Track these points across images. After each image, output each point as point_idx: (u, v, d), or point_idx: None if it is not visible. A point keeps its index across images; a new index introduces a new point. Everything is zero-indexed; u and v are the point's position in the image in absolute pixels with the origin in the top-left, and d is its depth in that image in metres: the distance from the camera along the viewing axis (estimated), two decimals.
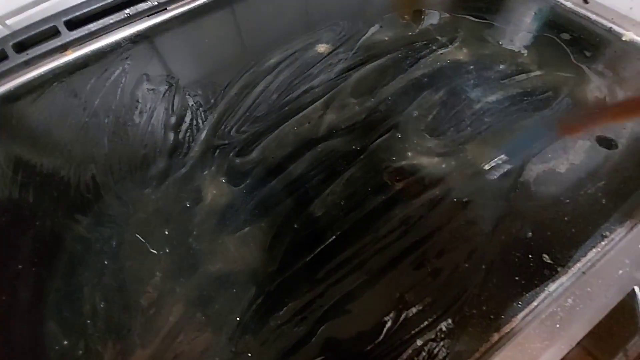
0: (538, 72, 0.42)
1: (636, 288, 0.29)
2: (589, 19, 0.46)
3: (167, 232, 0.34)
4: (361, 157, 0.37)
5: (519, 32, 0.47)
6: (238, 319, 0.29)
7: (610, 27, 0.44)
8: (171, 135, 0.41)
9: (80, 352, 0.29)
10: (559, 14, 0.48)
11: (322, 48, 0.47)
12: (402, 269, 0.30)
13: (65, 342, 0.29)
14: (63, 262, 0.33)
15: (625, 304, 0.28)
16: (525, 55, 0.44)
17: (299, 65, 0.46)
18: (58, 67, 0.49)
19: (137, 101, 0.44)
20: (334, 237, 0.32)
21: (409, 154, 0.36)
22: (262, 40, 0.50)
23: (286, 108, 0.42)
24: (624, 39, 0.43)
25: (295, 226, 0.33)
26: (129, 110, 0.43)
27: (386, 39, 0.47)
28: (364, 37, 0.48)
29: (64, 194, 0.37)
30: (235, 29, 0.53)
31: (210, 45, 0.50)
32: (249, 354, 0.28)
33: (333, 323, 0.28)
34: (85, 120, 0.43)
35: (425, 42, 0.46)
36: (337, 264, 0.31)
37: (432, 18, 0.50)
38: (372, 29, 0.49)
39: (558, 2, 0.48)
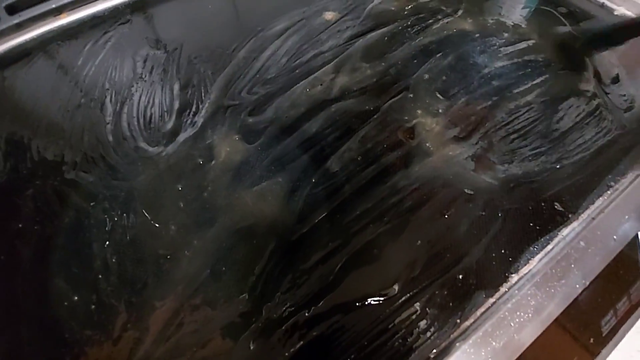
0: (539, 41, 0.44)
1: (639, 234, 0.31)
2: None
3: (180, 188, 0.33)
4: (375, 116, 0.37)
5: (518, 4, 0.48)
6: (259, 270, 0.28)
7: (603, 3, 0.47)
8: (179, 96, 0.40)
9: (93, 306, 0.28)
10: None
11: (329, 15, 0.47)
12: (421, 218, 0.31)
13: (75, 298, 0.28)
14: (69, 219, 0.31)
15: (630, 249, 0.30)
16: (524, 26, 0.45)
17: (306, 31, 0.46)
18: (52, 31, 0.46)
19: (144, 62, 0.42)
20: (352, 190, 0.32)
21: (420, 112, 0.37)
22: (267, 7, 0.49)
23: (297, 71, 0.42)
24: (615, 13, 0.45)
25: (314, 180, 0.33)
26: (131, 72, 0.42)
27: (392, 8, 0.48)
28: (370, 6, 0.48)
29: (68, 153, 0.35)
30: None
31: (214, 10, 0.49)
32: (269, 303, 0.27)
33: (357, 271, 0.28)
34: (84, 82, 0.41)
35: (430, 12, 0.47)
36: (357, 215, 0.31)
37: None
38: None
39: None
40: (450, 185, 0.32)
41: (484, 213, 0.31)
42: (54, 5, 0.47)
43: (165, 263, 0.29)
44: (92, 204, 0.32)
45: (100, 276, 0.29)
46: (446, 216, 0.31)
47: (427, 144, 0.35)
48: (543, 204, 0.31)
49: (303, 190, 0.32)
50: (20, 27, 0.46)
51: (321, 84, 0.40)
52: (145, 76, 0.41)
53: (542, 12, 0.47)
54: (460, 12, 0.47)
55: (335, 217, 0.31)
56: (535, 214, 0.31)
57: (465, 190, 0.32)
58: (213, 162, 0.34)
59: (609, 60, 0.41)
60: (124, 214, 0.31)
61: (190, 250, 0.29)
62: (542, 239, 0.29)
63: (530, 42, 0.43)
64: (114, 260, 0.29)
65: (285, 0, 0.50)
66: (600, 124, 0.36)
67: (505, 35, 0.44)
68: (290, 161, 0.34)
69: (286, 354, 0.25)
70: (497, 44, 0.43)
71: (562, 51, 0.43)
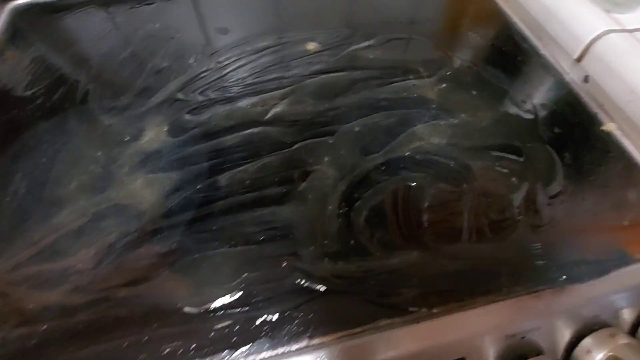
0: (495, 137, 0.41)
1: None
2: (579, 97, 0.44)
3: (99, 154, 0.39)
4: (286, 149, 0.39)
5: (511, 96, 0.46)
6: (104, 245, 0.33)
7: (596, 114, 0.42)
8: (148, 77, 0.46)
9: None
10: (554, 86, 0.46)
11: (311, 46, 0.50)
12: (264, 253, 0.32)
13: None
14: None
15: None
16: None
17: (282, 54, 0.49)
18: None
19: (149, 38, 0.50)
20: (221, 207, 0.35)
21: (327, 159, 0.38)
22: (266, 22, 0.53)
23: (250, 88, 0.45)
24: (602, 128, 0.40)
25: (198, 187, 0.36)
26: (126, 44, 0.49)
27: (371, 56, 0.48)
28: (352, 48, 0.49)
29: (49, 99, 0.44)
30: (251, 5, 0.57)
31: (216, 14, 0.55)
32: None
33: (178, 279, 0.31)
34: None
35: (404, 70, 0.47)
36: (212, 229, 0.34)
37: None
38: (365, 43, 0.50)
39: (561, 76, 0.46)
40: None
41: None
42: None
43: (51, 208, 0.35)
44: (31, 142, 0.40)
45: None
46: (284, 264, 0.32)
47: (310, 194, 0.36)
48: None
49: (184, 192, 0.36)
50: None
51: (262, 106, 0.43)
52: (140, 52, 0.49)
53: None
54: (433, 79, 0.46)
55: (194, 224, 0.34)
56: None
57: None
58: (135, 142, 0.40)
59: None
60: (50, 159, 0.38)
61: (74, 206, 0.35)
62: None
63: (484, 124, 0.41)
64: (22, 191, 0.36)
65: (284, 20, 0.54)
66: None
67: (463, 116, 0.42)
68: (191, 164, 0.38)
69: None
70: (449, 123, 0.42)
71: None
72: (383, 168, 0.38)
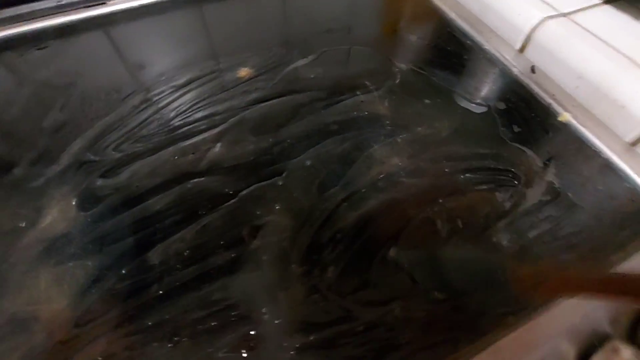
0: (457, 146, 0.38)
1: None
2: (530, 90, 0.42)
3: None
4: (229, 202, 0.33)
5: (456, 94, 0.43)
6: None
7: (550, 104, 0.40)
8: (46, 138, 0.37)
9: None
10: (503, 82, 0.44)
11: (243, 72, 0.44)
12: (215, 344, 0.26)
13: None
14: None
15: None
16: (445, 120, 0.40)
17: (212, 86, 0.43)
18: None
19: (43, 87, 0.41)
20: (155, 294, 0.28)
21: (279, 208, 0.32)
22: (188, 51, 0.47)
23: (177, 132, 0.38)
24: (559, 119, 0.39)
25: (123, 272, 0.29)
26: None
27: (312, 76, 0.44)
28: (290, 68, 0.44)
29: None
30: (169, 33, 0.50)
31: (123, 48, 0.47)
32: None
33: None
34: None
35: (350, 86, 0.42)
36: (144, 327, 0.26)
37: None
38: (303, 61, 0.45)
39: (509, 70, 0.44)
40: None
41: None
42: None
43: None
44: None
45: None
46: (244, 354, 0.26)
47: (265, 255, 0.30)
48: None
49: (105, 283, 0.28)
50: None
51: (193, 153, 0.36)
52: (29, 103, 0.40)
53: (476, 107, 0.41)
54: (381, 91, 0.42)
55: (123, 325, 0.27)
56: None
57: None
58: (33, 228, 0.31)
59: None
60: None
61: None
62: None
63: (450, 146, 0.38)
64: None
65: (208, 47, 0.48)
66: None
67: (419, 129, 0.39)
68: (112, 242, 0.30)
69: None
70: (403, 138, 0.38)
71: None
72: (345, 204, 0.33)
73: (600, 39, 0.41)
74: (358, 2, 0.58)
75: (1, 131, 0.38)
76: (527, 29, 0.44)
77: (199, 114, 0.40)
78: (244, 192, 0.33)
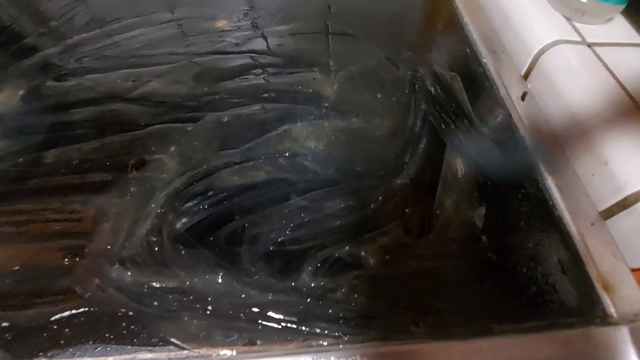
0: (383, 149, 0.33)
1: None
2: (508, 116, 0.35)
3: None
4: (136, 131, 0.34)
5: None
6: None
7: (524, 138, 0.33)
8: (37, 36, 0.42)
9: None
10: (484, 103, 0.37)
11: (220, 23, 0.44)
12: None
13: None
14: None
15: None
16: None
17: (187, 29, 0.44)
18: None
19: None
20: (31, 187, 0.30)
21: (174, 150, 0.32)
22: None
23: (133, 59, 0.40)
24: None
25: (19, 160, 0.32)
26: None
27: (279, 43, 0.42)
28: (263, 31, 0.43)
29: None
30: None
31: None
32: None
33: None
34: None
35: (312, 61, 0.40)
36: (7, 211, 0.29)
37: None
38: (280, 27, 0.44)
39: (496, 88, 0.38)
40: None
41: None
42: None
43: None
44: None
45: None
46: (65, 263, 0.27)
47: (135, 187, 0.30)
48: None
49: (2, 164, 0.32)
50: None
51: (133, 81, 0.38)
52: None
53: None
54: (341, 74, 0.39)
55: None
56: None
57: None
58: None
59: None
60: None
61: None
62: None
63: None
64: None
65: None
66: None
67: (354, 119, 0.35)
68: (27, 133, 0.33)
69: None
70: (332, 123, 0.35)
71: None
72: (236, 167, 0.32)
73: (617, 79, 0.33)
74: None
75: (13, 20, 0.44)
76: (535, 51, 0.37)
77: (160, 50, 0.41)
78: (154, 127, 0.34)
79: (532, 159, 0.31)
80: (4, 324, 0.24)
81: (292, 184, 0.31)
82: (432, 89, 0.38)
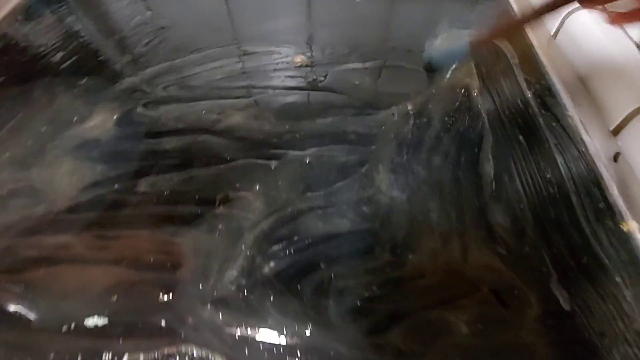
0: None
1: None
2: (600, 180, 0.34)
3: (43, 129, 0.38)
4: (220, 166, 0.35)
5: None
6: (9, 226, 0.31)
7: (616, 203, 0.32)
8: (126, 62, 0.45)
9: None
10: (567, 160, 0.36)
11: (299, 58, 0.45)
12: None
13: None
14: None
15: None
16: None
17: (267, 61, 0.45)
18: None
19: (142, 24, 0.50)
20: (126, 215, 0.32)
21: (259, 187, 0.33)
22: (270, 24, 0.50)
23: (218, 91, 0.42)
24: (620, 225, 0.31)
25: (115, 186, 0.34)
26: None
27: (357, 82, 0.42)
28: (341, 68, 0.44)
29: None
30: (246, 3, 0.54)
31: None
32: None
33: None
34: None
35: (390, 103, 0.40)
36: (103, 236, 0.31)
37: None
38: (358, 65, 0.44)
39: (583, 144, 0.36)
40: None
41: None
42: None
43: None
44: None
45: None
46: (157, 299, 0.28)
47: (222, 224, 0.31)
48: None
49: (100, 189, 0.33)
50: None
51: (218, 113, 0.39)
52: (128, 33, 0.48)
53: None
54: (417, 114, 0.38)
55: (92, 227, 0.31)
56: None
57: None
58: (80, 125, 0.38)
59: None
60: None
61: None
62: None
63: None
64: None
65: (289, 25, 0.50)
66: None
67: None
68: (122, 160, 0.35)
69: None
70: (415, 170, 0.34)
71: None
72: (319, 212, 0.32)
73: None
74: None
75: (95, 50, 0.47)
76: (630, 109, 0.36)
77: (240, 83, 0.43)
78: (238, 162, 0.35)
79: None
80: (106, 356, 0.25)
81: (376, 235, 0.31)
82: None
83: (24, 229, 0.31)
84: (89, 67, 0.44)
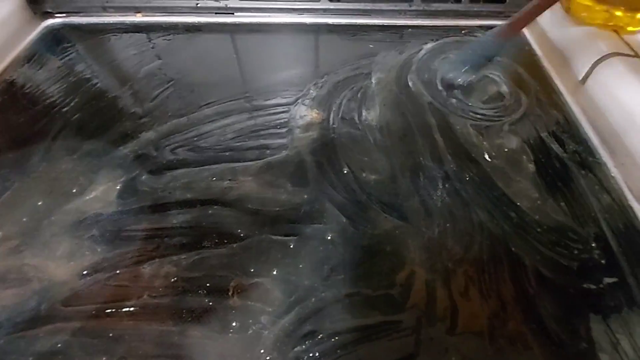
0: None
1: None
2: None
3: (40, 203, 0.34)
4: (234, 244, 0.31)
5: None
6: None
7: None
8: (129, 122, 0.42)
9: None
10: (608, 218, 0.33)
11: (314, 114, 0.43)
12: None
13: None
14: None
15: None
16: None
17: (281, 117, 0.42)
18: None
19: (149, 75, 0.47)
20: (127, 310, 0.28)
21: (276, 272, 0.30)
22: (278, 77, 0.47)
23: (229, 152, 0.39)
24: None
25: (117, 272, 0.30)
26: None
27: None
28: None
29: None
30: (279, 52, 0.52)
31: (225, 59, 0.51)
32: None
33: None
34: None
35: None
36: (102, 335, 0.27)
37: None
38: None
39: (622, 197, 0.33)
40: None
41: None
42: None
43: None
44: None
45: None
46: None
47: (236, 320, 0.27)
48: None
49: (100, 275, 0.30)
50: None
51: (230, 179, 0.36)
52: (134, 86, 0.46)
53: None
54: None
55: (88, 324, 0.27)
56: None
57: None
58: (80, 197, 0.35)
59: None
60: None
61: None
62: None
63: None
64: None
65: (298, 76, 0.48)
66: None
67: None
68: (124, 239, 0.32)
69: None
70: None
71: None
72: (347, 302, 0.28)
73: None
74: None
75: (99, 105, 0.44)
76: None
77: (253, 142, 0.40)
78: (253, 239, 0.32)
79: None
80: None
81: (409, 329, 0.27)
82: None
83: (13, 326, 0.28)
84: (91, 128, 0.41)
